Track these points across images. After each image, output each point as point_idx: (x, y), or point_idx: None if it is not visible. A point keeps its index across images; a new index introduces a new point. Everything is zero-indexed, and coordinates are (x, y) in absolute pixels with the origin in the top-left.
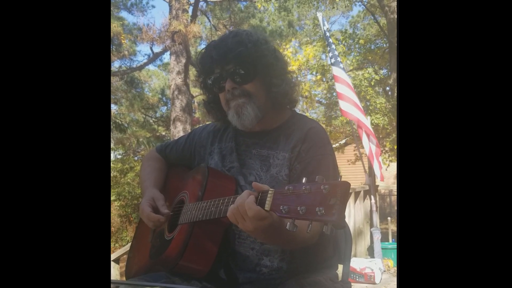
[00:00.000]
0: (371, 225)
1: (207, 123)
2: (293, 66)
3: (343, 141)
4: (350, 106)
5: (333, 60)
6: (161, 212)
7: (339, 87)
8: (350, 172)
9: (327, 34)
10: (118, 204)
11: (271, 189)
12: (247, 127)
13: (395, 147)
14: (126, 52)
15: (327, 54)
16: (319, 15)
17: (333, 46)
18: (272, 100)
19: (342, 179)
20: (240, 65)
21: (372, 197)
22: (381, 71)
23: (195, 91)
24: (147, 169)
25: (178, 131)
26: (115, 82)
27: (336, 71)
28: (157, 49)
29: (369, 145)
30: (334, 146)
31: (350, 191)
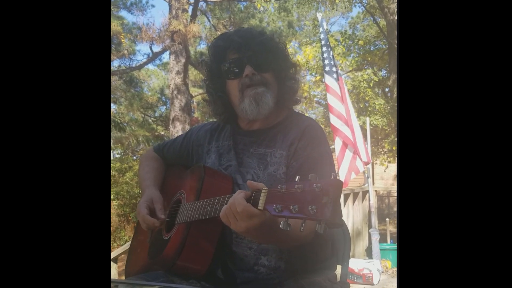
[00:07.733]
0: (370, 226)
1: (205, 122)
2: None
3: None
4: (338, 121)
5: (327, 69)
6: (157, 215)
7: (330, 99)
8: None
9: (322, 36)
10: (117, 203)
11: (265, 188)
12: (262, 116)
13: (394, 148)
14: (125, 52)
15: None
16: (319, 16)
17: (329, 52)
18: (281, 95)
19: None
20: (261, 53)
21: (370, 198)
22: (380, 72)
23: (194, 91)
24: (146, 168)
25: (177, 130)
26: (114, 81)
27: (328, 80)
28: (156, 48)
29: (344, 152)
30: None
31: (349, 192)
